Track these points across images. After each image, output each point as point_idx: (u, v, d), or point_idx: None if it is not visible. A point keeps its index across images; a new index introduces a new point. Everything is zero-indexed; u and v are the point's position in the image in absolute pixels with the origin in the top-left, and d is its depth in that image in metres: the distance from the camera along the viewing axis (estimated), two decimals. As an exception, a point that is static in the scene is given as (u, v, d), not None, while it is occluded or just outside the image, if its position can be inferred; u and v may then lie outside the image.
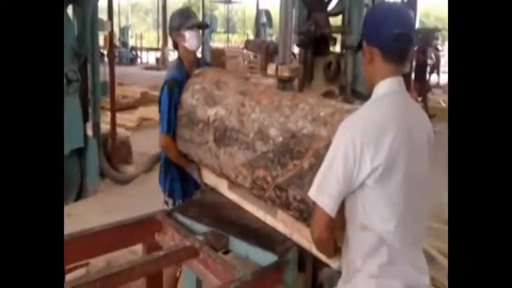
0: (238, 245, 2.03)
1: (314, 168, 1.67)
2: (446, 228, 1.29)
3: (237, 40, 27.46)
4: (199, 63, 2.88)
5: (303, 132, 1.82)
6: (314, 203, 1.50)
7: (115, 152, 5.81)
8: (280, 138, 1.88)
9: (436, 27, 19.78)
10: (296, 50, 3.34)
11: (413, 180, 1.49)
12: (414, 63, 9.35)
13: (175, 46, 2.86)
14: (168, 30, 2.91)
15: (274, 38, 17.86)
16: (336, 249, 1.64)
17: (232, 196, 2.36)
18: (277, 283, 1.84)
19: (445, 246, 3.55)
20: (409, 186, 1.48)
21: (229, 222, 2.19)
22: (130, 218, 2.25)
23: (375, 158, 1.41)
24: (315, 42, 2.96)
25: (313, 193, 1.50)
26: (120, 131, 6.45)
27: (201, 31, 2.87)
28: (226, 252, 2.13)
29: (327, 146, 1.57)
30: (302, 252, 2.00)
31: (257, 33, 19.49)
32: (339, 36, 3.13)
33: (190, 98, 2.53)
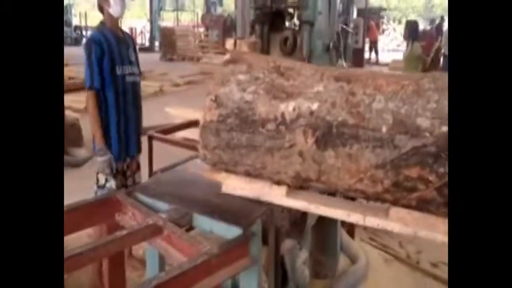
0: (202, 221, 2.03)
1: None
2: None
3: (186, 19, 26.94)
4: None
5: None
6: None
7: (65, 135, 5.64)
8: (443, 128, 1.62)
9: (381, 7, 20.18)
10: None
11: None
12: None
13: (101, 10, 3.11)
14: None
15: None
16: None
17: (297, 204, 2.01)
18: (243, 256, 1.85)
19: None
20: None
21: (191, 199, 2.17)
22: (90, 199, 2.20)
23: None
24: (271, 18, 2.95)
25: None
26: (67, 113, 6.24)
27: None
28: (189, 230, 2.13)
29: None
30: (265, 226, 2.03)
31: (207, 11, 19.21)
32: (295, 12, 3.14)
33: (238, 92, 1.96)
